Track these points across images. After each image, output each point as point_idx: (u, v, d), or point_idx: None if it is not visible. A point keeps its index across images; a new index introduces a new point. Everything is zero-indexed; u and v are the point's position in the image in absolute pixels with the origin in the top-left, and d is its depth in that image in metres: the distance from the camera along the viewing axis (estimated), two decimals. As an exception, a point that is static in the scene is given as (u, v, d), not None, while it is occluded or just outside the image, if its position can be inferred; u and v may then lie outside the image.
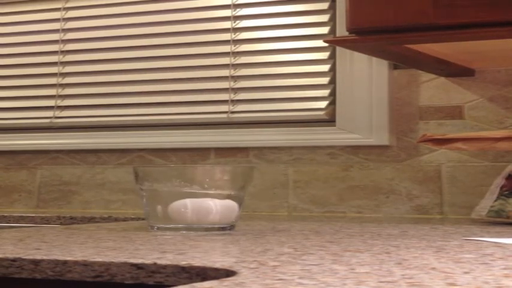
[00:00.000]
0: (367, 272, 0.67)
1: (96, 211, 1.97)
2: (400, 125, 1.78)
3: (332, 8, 1.86)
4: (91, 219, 1.72)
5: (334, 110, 1.84)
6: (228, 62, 1.94)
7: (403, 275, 0.66)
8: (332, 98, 1.85)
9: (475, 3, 1.29)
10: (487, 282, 0.61)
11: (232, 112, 1.93)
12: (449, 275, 0.66)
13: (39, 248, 0.92)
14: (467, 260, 0.77)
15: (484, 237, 1.07)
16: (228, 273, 0.70)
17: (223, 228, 1.17)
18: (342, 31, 1.71)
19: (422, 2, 1.32)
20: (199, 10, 2.00)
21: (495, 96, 1.71)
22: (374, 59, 1.75)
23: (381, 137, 1.78)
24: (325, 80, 1.86)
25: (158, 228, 1.17)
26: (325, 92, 1.86)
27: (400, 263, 0.74)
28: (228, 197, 1.18)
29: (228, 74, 1.94)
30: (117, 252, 0.86)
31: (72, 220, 1.73)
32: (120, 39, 2.07)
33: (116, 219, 1.70)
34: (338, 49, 1.82)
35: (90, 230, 1.21)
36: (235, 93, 1.93)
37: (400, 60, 1.68)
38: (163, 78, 2.00)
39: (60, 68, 2.12)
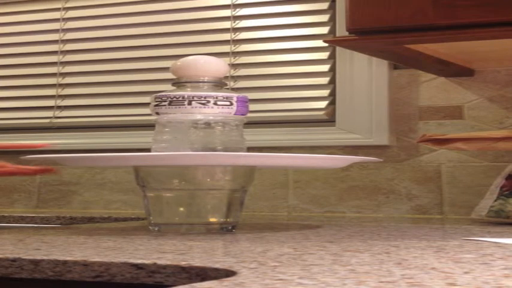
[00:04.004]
0: (367, 272, 0.67)
1: (96, 211, 1.97)
2: (400, 125, 1.78)
3: (332, 8, 1.86)
4: (91, 219, 1.72)
5: (334, 110, 1.84)
6: (227, 62, 1.94)
7: (403, 275, 0.66)
8: (332, 98, 1.85)
9: (475, 4, 1.29)
10: (487, 283, 0.61)
11: (232, 112, 1.92)
12: (449, 275, 0.66)
13: (39, 248, 0.92)
14: (467, 260, 0.77)
15: (484, 237, 1.07)
16: (228, 273, 0.70)
17: (224, 228, 1.17)
18: (341, 31, 1.71)
19: (422, 2, 1.32)
20: (199, 10, 2.00)
21: (495, 96, 1.71)
22: (374, 59, 1.75)
23: (380, 137, 1.78)
24: (325, 80, 1.86)
25: (158, 229, 1.17)
26: (325, 92, 1.86)
27: (400, 263, 0.74)
28: (229, 196, 1.18)
29: (227, 74, 1.93)
30: (117, 252, 0.86)
31: (72, 220, 1.73)
32: (120, 39, 2.07)
33: (116, 219, 1.70)
34: (338, 49, 1.82)
35: (90, 230, 1.21)
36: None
37: (400, 61, 1.68)
38: (163, 78, 1.99)
39: (60, 68, 2.12)
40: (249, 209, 1.84)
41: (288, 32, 1.91)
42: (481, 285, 0.60)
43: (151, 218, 1.18)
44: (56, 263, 0.80)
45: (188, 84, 1.22)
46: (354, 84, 1.81)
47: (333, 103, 1.85)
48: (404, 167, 1.76)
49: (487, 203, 1.44)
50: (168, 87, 1.26)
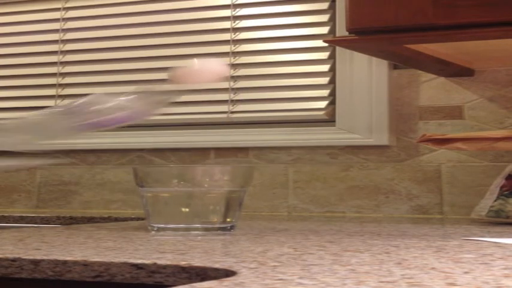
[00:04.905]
0: (367, 272, 0.67)
1: (96, 211, 1.97)
2: (400, 125, 1.78)
3: (332, 8, 1.86)
4: (91, 219, 1.72)
5: (334, 110, 1.84)
6: (227, 62, 1.94)
7: (403, 274, 0.66)
8: (332, 98, 1.85)
9: (475, 3, 1.29)
10: (486, 282, 0.61)
11: (232, 112, 1.93)
12: (449, 275, 0.66)
13: (39, 248, 0.92)
14: (467, 260, 0.77)
15: (484, 237, 1.07)
16: (228, 273, 0.70)
17: (223, 229, 1.16)
18: (341, 31, 1.71)
19: (422, 2, 1.32)
20: (199, 10, 2.00)
21: (495, 96, 1.71)
22: (374, 59, 1.75)
23: (380, 137, 1.78)
24: (324, 80, 1.86)
25: (158, 229, 1.17)
26: (325, 92, 1.86)
27: (400, 263, 0.74)
28: (228, 197, 1.18)
29: (227, 74, 1.94)
30: (117, 252, 0.86)
31: (72, 220, 1.73)
32: (119, 39, 2.07)
33: (116, 219, 1.70)
34: (338, 49, 1.82)
35: (90, 230, 1.21)
36: (235, 93, 1.93)
37: (400, 60, 1.68)
38: (164, 78, 1.99)
39: (60, 68, 2.12)
40: (249, 209, 1.84)
41: (288, 32, 1.91)
42: (481, 285, 0.60)
43: (150, 218, 1.18)
44: (56, 263, 0.80)
45: None
46: (354, 84, 1.81)
47: (332, 103, 1.85)
48: (404, 167, 1.76)
49: (487, 203, 1.44)
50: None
